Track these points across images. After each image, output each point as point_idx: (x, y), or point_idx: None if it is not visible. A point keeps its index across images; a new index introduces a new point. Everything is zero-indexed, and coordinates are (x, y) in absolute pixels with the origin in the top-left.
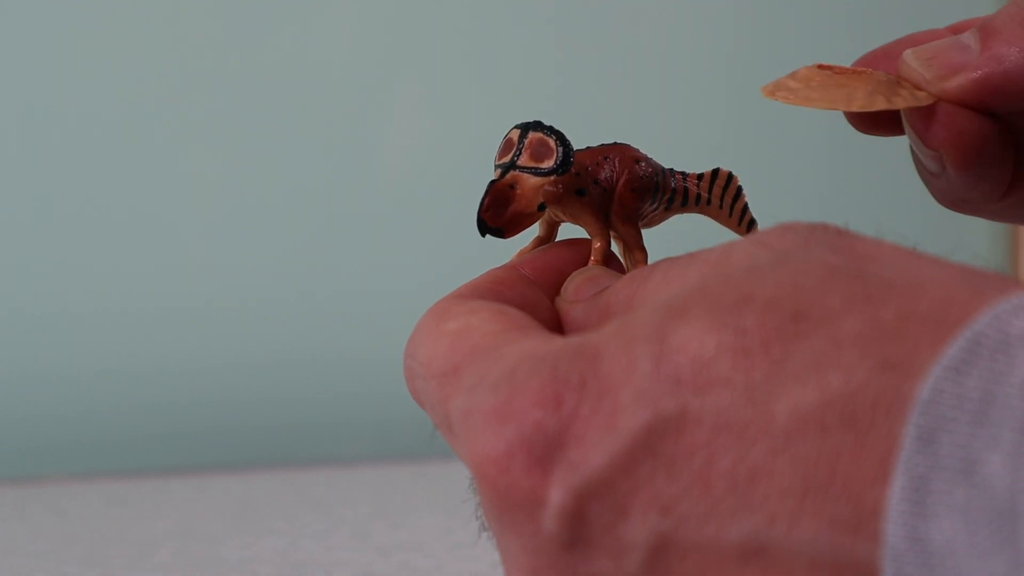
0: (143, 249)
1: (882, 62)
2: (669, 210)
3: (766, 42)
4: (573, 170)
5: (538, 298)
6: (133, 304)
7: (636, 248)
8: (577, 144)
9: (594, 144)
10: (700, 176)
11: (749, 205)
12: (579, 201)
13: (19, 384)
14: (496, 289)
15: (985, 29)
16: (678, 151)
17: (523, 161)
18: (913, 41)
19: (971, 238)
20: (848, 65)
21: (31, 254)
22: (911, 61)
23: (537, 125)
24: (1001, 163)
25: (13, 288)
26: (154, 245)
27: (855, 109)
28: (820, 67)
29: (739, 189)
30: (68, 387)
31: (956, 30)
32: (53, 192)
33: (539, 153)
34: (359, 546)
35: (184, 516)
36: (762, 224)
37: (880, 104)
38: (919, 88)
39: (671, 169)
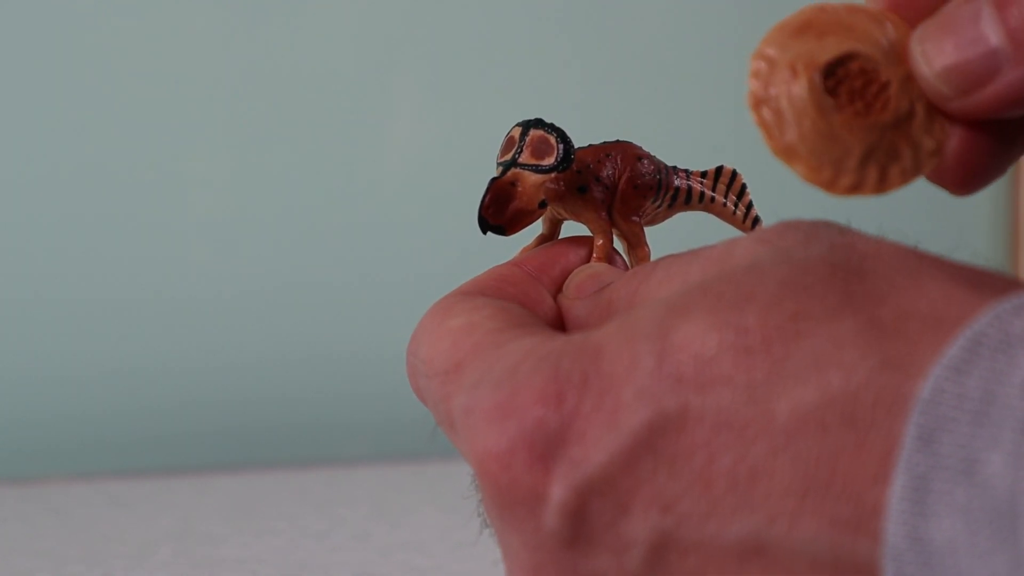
0: (143, 248)
1: None
2: (673, 208)
3: None
4: (574, 167)
5: (540, 295)
6: (133, 304)
7: (639, 245)
8: (580, 142)
9: (597, 142)
10: (704, 174)
11: (754, 202)
12: (581, 198)
13: (19, 384)
14: (498, 286)
15: (1007, 16)
16: (682, 149)
17: (524, 159)
18: None
19: (972, 237)
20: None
21: (31, 254)
22: (924, 70)
23: (539, 123)
24: (1008, 163)
25: (13, 288)
26: (154, 244)
27: (839, 191)
28: (823, 74)
29: (743, 187)
30: (68, 387)
31: None
32: (52, 193)
33: (540, 150)
34: (359, 546)
35: (184, 516)
36: (766, 222)
37: (870, 183)
38: (934, 103)
39: (675, 167)
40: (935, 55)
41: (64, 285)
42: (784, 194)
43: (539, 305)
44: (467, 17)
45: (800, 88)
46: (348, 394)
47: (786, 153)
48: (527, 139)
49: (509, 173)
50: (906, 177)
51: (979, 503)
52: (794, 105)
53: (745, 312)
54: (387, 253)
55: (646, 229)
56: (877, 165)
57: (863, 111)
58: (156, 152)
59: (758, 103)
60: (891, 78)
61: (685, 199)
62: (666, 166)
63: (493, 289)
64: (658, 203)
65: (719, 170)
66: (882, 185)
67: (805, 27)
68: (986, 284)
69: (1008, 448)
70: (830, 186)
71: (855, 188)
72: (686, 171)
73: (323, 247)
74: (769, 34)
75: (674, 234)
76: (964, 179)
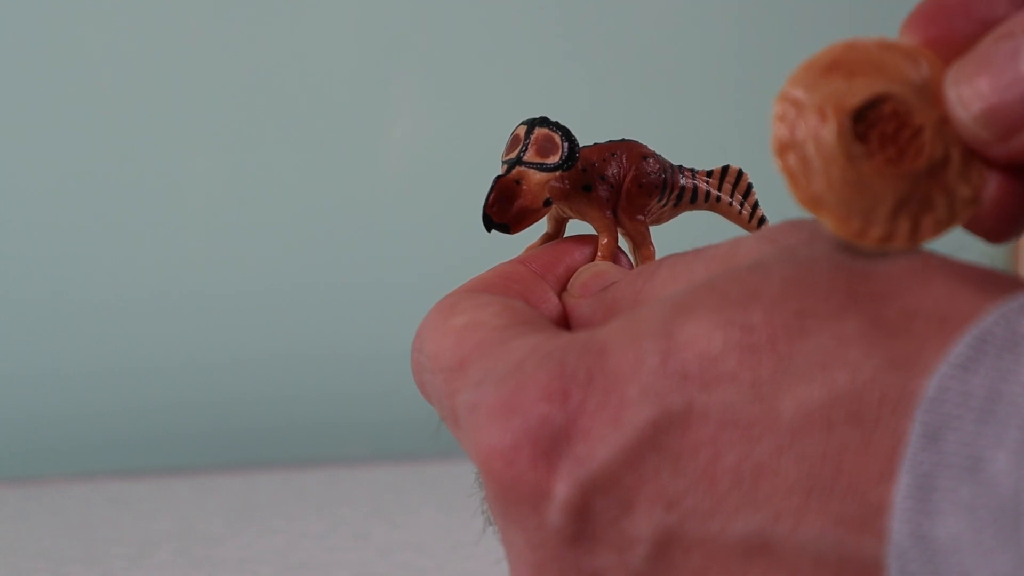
0: (143, 248)
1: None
2: (678, 207)
3: (774, 37)
4: (579, 166)
5: (545, 293)
6: (133, 303)
7: (643, 244)
8: (584, 141)
9: (602, 141)
10: (710, 173)
11: (759, 202)
12: (585, 197)
13: (19, 384)
14: (503, 284)
15: None
16: (687, 147)
17: (529, 157)
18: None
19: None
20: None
21: (31, 253)
22: (961, 114)
23: (543, 121)
24: None
25: (13, 288)
26: (154, 244)
27: (869, 242)
28: (853, 118)
29: (749, 186)
30: (68, 387)
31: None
32: (52, 193)
33: (545, 149)
34: (359, 546)
35: (184, 516)
36: (772, 221)
37: (901, 235)
38: (972, 147)
39: (680, 166)
40: (972, 98)
41: (64, 285)
42: (789, 193)
43: (544, 303)
44: (467, 17)
45: (829, 133)
46: (348, 394)
47: (813, 203)
48: (532, 137)
49: (514, 171)
50: (940, 228)
51: (984, 501)
52: (822, 152)
53: (750, 310)
54: (388, 253)
55: (651, 228)
56: (909, 215)
57: (895, 158)
58: (156, 152)
59: (784, 149)
60: (925, 122)
61: (691, 198)
62: (671, 165)
63: (498, 287)
64: (663, 202)
65: (725, 169)
66: (915, 237)
67: (834, 66)
68: (991, 284)
69: (1013, 446)
70: (859, 238)
71: (886, 240)
72: (692, 170)
73: (323, 247)
74: (795, 73)
75: (680, 233)
76: (1002, 228)
